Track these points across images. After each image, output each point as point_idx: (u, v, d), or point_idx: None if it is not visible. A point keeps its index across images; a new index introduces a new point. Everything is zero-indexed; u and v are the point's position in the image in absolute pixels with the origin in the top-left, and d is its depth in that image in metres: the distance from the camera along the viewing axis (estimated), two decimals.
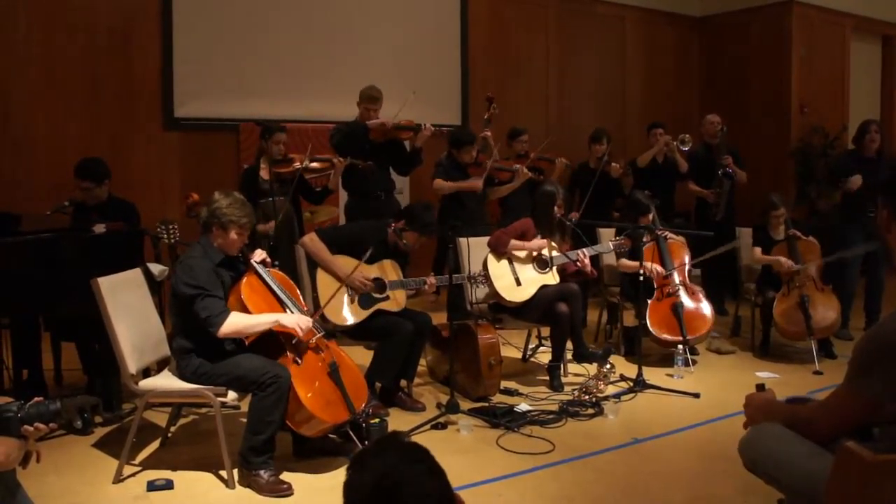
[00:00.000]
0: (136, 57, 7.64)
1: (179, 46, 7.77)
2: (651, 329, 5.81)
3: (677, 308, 5.84)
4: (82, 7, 7.37)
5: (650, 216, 6.12)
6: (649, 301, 5.90)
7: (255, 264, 4.00)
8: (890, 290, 7.02)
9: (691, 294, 6.01)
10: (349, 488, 1.54)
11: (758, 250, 6.40)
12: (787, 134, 10.46)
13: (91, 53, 7.43)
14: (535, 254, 5.50)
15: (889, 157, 6.42)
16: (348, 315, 4.73)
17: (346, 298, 4.74)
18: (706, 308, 5.97)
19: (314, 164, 6.18)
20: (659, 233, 6.08)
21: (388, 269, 4.92)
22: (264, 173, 5.96)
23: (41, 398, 2.29)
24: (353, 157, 6.14)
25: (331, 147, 6.40)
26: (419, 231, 4.93)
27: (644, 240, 5.93)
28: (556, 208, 5.55)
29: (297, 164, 6.00)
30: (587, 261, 5.48)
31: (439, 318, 5.70)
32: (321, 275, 4.78)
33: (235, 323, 3.70)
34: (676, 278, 6.03)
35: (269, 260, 4.13)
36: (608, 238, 6.20)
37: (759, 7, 10.73)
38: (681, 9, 11.32)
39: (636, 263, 5.60)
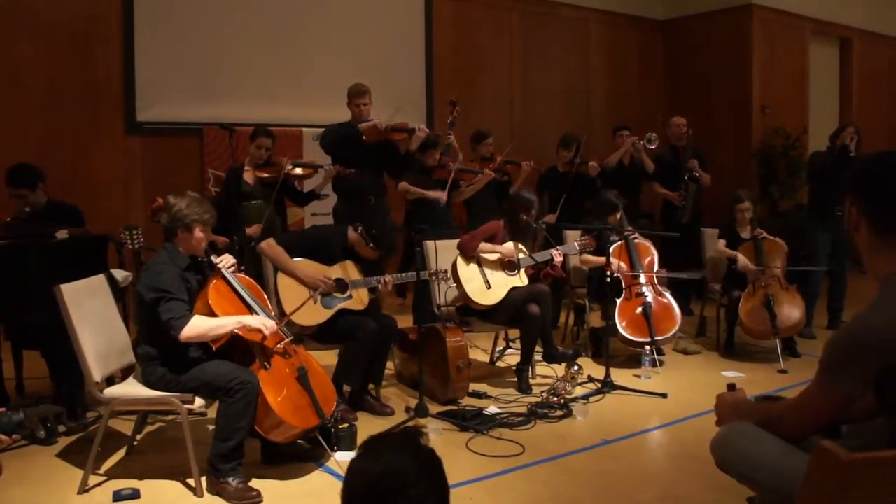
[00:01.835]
0: (99, 60, 7.54)
1: (142, 50, 7.68)
2: (620, 328, 5.85)
3: (646, 308, 5.89)
4: (44, 9, 7.25)
5: (618, 215, 6.17)
6: (618, 301, 5.94)
7: (222, 269, 3.96)
8: (852, 288, 7.13)
9: (659, 295, 6.06)
10: (354, 471, 1.55)
11: (722, 242, 6.48)
12: (749, 135, 10.60)
13: (53, 56, 7.31)
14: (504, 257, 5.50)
15: (858, 157, 6.49)
16: (311, 317, 4.69)
17: (308, 301, 4.70)
18: (674, 308, 6.02)
19: (298, 171, 6.18)
20: (627, 233, 6.12)
21: (350, 270, 4.92)
22: (248, 176, 5.94)
23: (3, 409, 2.25)
24: (344, 160, 6.14)
25: (321, 148, 6.34)
26: (382, 252, 4.94)
27: (612, 238, 5.98)
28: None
29: (281, 169, 6.00)
30: (560, 258, 5.52)
31: (406, 322, 5.69)
32: (281, 278, 4.75)
33: (198, 326, 3.64)
34: (644, 278, 6.07)
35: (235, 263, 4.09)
36: (574, 239, 6.22)
37: (720, 10, 10.86)
38: (644, 12, 11.42)
39: (599, 259, 5.63)
